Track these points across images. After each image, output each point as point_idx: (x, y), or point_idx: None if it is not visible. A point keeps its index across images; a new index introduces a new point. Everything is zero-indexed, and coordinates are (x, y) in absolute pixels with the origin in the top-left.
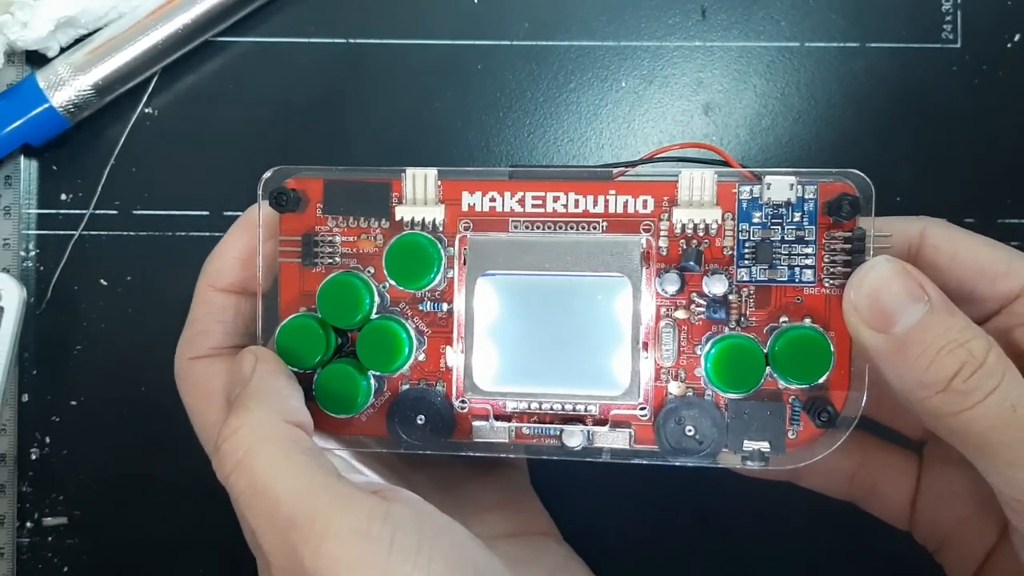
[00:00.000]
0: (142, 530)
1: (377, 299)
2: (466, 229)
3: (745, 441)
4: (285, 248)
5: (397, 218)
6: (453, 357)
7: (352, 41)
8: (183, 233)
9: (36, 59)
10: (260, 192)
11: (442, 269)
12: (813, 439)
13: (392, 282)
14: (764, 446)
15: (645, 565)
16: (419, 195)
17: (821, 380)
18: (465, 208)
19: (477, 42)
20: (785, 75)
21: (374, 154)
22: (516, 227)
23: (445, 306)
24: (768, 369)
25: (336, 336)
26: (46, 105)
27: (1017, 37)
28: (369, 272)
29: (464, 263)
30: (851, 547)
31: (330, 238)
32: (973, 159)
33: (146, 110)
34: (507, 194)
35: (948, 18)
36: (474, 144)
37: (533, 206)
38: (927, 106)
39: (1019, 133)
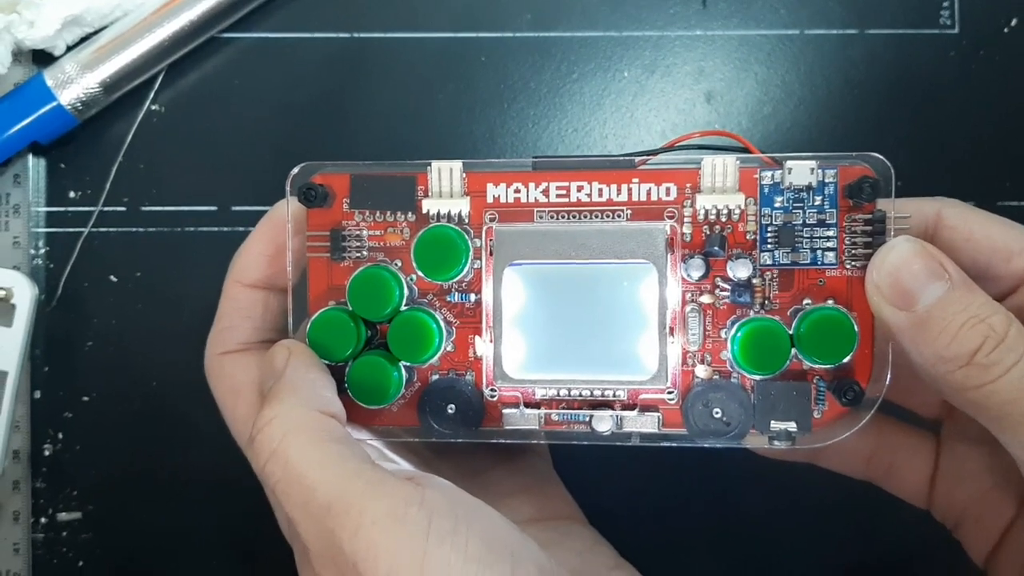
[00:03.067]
0: (156, 523)
1: (406, 291)
2: (492, 220)
3: (772, 422)
4: (313, 243)
5: (423, 211)
6: (482, 346)
7: (356, 35)
8: (192, 229)
9: (42, 58)
10: (288, 188)
11: (469, 260)
12: (838, 418)
13: (420, 274)
14: (791, 426)
15: (669, 547)
16: (444, 188)
17: (846, 360)
18: (490, 200)
19: (480, 34)
20: (785, 62)
21: (379, 147)
22: (541, 217)
23: (473, 296)
24: (793, 350)
25: (366, 328)
26: (54, 103)
27: (1014, 22)
28: (397, 265)
29: (491, 254)
30: (868, 527)
31: (357, 232)
32: (972, 143)
33: (153, 107)
34: (531, 185)
35: (946, 4)
36: (478, 136)
37: (557, 196)
38: (926, 91)
39: (1017, 117)
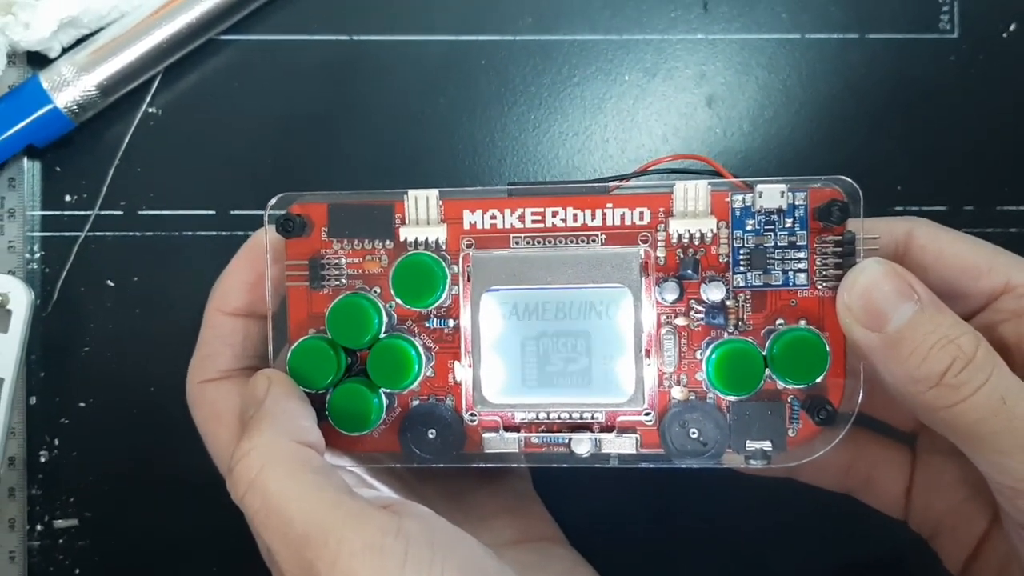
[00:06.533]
0: (153, 530)
1: (385, 318)
2: (468, 247)
3: (748, 441)
4: (292, 272)
5: (401, 239)
6: (461, 372)
7: (355, 38)
8: (189, 233)
9: (37, 60)
10: (266, 218)
11: (447, 286)
12: (813, 436)
13: (399, 301)
14: (766, 445)
15: (650, 566)
16: (421, 216)
17: (818, 380)
18: (467, 226)
19: (480, 37)
20: (786, 67)
21: (378, 150)
22: (517, 243)
23: (451, 322)
24: (767, 371)
25: (346, 356)
26: (50, 106)
27: (1013, 27)
28: (376, 292)
29: (468, 280)
30: (851, 541)
31: (336, 260)
32: (971, 147)
33: (150, 110)
34: (507, 211)
35: (945, 8)
36: (478, 139)
37: (533, 222)
38: (926, 96)
39: (1016, 121)
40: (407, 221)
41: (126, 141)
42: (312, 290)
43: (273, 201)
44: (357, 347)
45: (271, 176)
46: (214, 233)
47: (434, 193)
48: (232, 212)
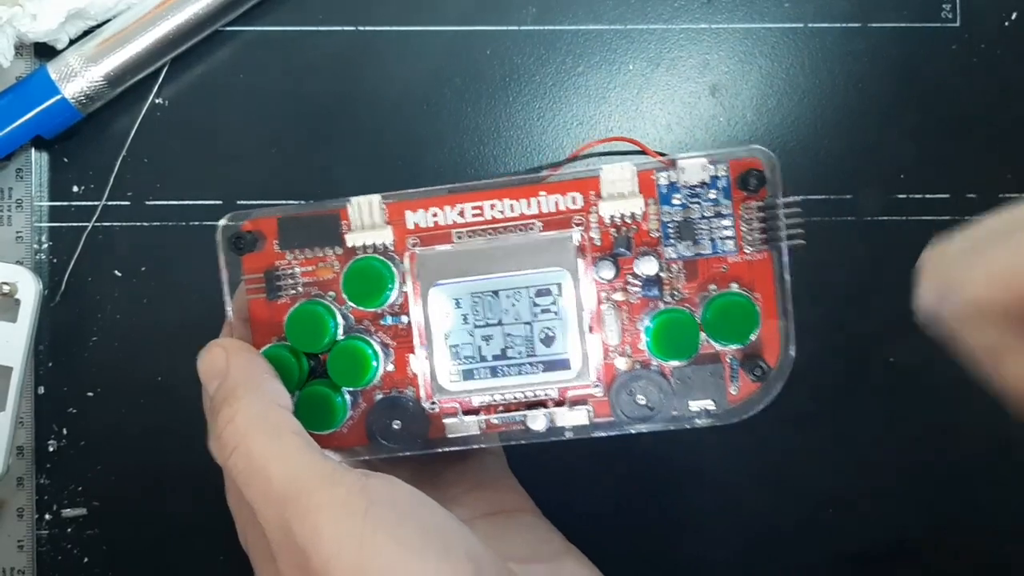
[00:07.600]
0: (161, 519)
1: (341, 321)
2: (414, 245)
3: (691, 402)
4: (251, 285)
5: (349, 245)
6: (417, 364)
7: (361, 28)
8: (196, 223)
9: (44, 51)
10: (218, 239)
11: (396, 286)
12: (754, 391)
13: (352, 304)
14: (709, 404)
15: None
16: (366, 221)
17: (752, 338)
18: (411, 226)
19: (485, 28)
20: (790, 56)
21: (384, 141)
22: (460, 237)
23: (404, 318)
24: (703, 335)
25: (308, 360)
26: (58, 97)
27: (1015, 15)
28: (331, 297)
29: (416, 277)
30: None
31: (290, 271)
32: (973, 135)
33: (157, 100)
34: (447, 208)
35: None
36: (484, 129)
37: (473, 215)
38: (928, 84)
39: (1018, 109)
40: (353, 227)
41: (133, 131)
42: (270, 301)
43: (222, 223)
44: (317, 351)
45: (277, 166)
46: (221, 223)
47: (376, 198)
48: (239, 201)
